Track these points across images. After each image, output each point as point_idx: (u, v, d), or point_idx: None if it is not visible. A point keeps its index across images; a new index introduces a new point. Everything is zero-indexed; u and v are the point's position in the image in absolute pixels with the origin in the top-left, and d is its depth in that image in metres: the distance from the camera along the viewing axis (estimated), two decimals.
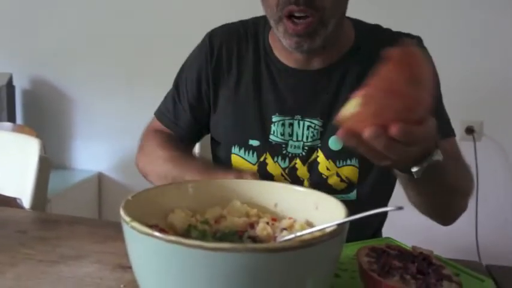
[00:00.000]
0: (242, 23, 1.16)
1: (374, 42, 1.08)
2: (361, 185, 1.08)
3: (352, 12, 1.11)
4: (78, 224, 1.06)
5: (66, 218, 1.11)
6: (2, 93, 2.52)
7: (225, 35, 1.14)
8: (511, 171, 2.30)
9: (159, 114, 1.22)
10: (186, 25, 2.41)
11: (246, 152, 1.09)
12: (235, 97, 1.11)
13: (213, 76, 1.13)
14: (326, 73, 1.08)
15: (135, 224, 0.56)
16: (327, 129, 1.06)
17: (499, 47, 2.26)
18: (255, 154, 1.08)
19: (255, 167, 1.08)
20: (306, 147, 1.06)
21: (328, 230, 0.57)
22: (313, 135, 1.06)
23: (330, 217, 0.62)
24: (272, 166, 1.07)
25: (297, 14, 0.95)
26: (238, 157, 1.09)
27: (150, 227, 0.56)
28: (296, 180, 1.07)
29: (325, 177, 1.06)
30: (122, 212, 0.59)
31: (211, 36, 1.15)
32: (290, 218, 0.72)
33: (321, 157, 1.06)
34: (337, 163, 1.05)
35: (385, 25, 1.13)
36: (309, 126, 1.06)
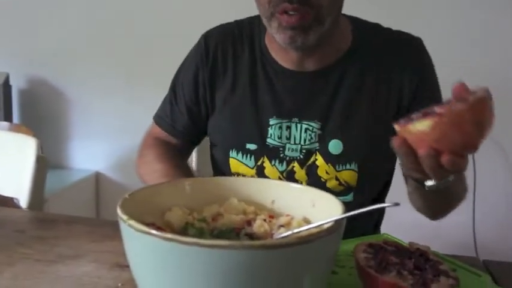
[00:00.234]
0: (237, 23, 1.15)
1: (373, 43, 1.07)
2: (359, 188, 1.07)
3: (351, 12, 1.11)
4: (76, 223, 1.06)
5: (64, 217, 1.11)
6: None
7: (221, 35, 1.13)
8: (510, 170, 2.31)
9: (158, 118, 1.21)
10: (185, 25, 2.40)
11: (244, 156, 1.08)
12: (231, 99, 1.10)
13: (209, 78, 1.11)
14: (323, 74, 1.06)
15: (132, 222, 0.56)
16: (325, 132, 1.04)
17: (499, 47, 2.26)
18: (252, 158, 1.07)
19: (253, 171, 1.07)
20: (304, 150, 1.05)
21: (325, 226, 0.58)
22: (311, 138, 1.05)
23: (327, 214, 0.62)
24: (270, 169, 1.06)
25: (290, 12, 0.93)
26: (236, 161, 1.08)
27: (147, 225, 0.56)
28: None
29: (323, 180, 1.05)
30: (118, 211, 0.59)
31: (207, 37, 1.14)
32: (287, 215, 0.72)
33: (320, 160, 1.05)
34: (337, 167, 1.04)
35: (385, 24, 1.12)
36: (306, 129, 1.05)
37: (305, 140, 1.05)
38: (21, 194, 1.36)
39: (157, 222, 0.67)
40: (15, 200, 1.40)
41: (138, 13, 2.56)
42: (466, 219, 2.27)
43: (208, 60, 1.11)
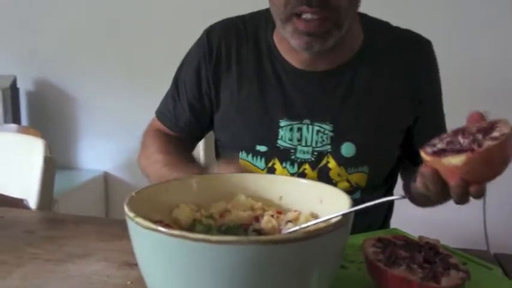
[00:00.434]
0: (239, 18, 1.12)
1: (384, 42, 1.06)
2: (367, 188, 1.06)
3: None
4: (85, 223, 1.06)
5: (73, 217, 1.11)
6: (6, 95, 2.52)
7: (223, 30, 1.11)
8: None
9: (160, 114, 1.19)
10: (188, 22, 2.41)
11: (254, 158, 1.05)
12: (238, 97, 1.08)
13: (213, 74, 1.09)
14: (335, 75, 1.04)
15: (139, 220, 0.55)
16: (337, 134, 1.03)
17: (501, 42, 2.25)
18: (263, 159, 1.05)
19: (264, 172, 1.05)
20: (316, 153, 1.03)
21: (332, 221, 0.57)
22: (323, 140, 1.02)
23: (334, 208, 0.62)
24: (280, 171, 1.04)
25: (308, 16, 0.90)
26: (246, 162, 1.06)
27: (155, 222, 0.56)
28: None
29: (334, 182, 1.03)
30: (126, 208, 0.59)
31: (209, 32, 1.12)
32: (295, 211, 0.71)
33: (332, 163, 1.03)
34: (349, 170, 1.03)
35: (384, 17, 1.11)
36: (318, 131, 1.03)
37: (317, 142, 1.03)
38: (30, 195, 1.37)
39: (165, 220, 0.67)
40: (24, 202, 1.40)
41: (139, 12, 2.56)
42: (477, 213, 2.25)
43: (212, 57, 1.09)
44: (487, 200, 2.20)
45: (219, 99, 1.10)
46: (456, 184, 0.64)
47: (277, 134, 1.04)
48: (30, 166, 1.39)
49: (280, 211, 0.72)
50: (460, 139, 0.65)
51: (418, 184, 0.69)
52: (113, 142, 2.67)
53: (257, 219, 0.69)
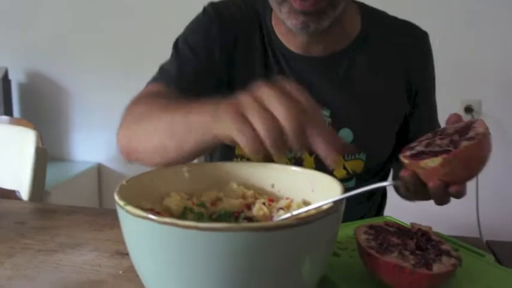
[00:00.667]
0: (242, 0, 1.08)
1: (383, 32, 1.07)
2: (362, 175, 1.06)
3: None
4: (76, 213, 1.06)
5: (64, 207, 1.11)
6: None
7: (228, 8, 1.06)
8: (510, 148, 2.30)
9: (154, 80, 1.05)
10: (183, 16, 2.39)
11: None
12: (243, 77, 1.02)
13: (222, 51, 1.03)
14: (332, 61, 1.04)
15: (130, 208, 0.55)
16: (335, 121, 1.02)
17: (497, 25, 2.25)
18: None
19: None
20: None
21: (324, 207, 0.57)
22: None
23: (326, 195, 0.61)
24: (277, 156, 1.03)
25: None
26: None
27: (145, 211, 0.55)
28: None
29: (331, 168, 1.03)
30: (116, 197, 0.59)
31: (213, 4, 1.06)
32: (287, 198, 0.71)
33: None
34: (346, 157, 1.03)
35: (382, 8, 1.12)
36: None
37: None
38: (22, 186, 1.36)
39: (156, 208, 0.67)
40: (16, 193, 1.39)
41: (135, 5, 2.54)
42: (470, 202, 2.27)
43: (222, 31, 1.03)
44: (480, 189, 2.22)
45: (222, 75, 1.04)
46: (434, 186, 0.65)
47: None
48: (22, 157, 1.38)
49: (272, 199, 0.72)
50: (438, 141, 0.66)
51: (400, 187, 0.70)
52: (106, 134, 2.66)
53: (249, 207, 0.69)
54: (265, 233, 0.50)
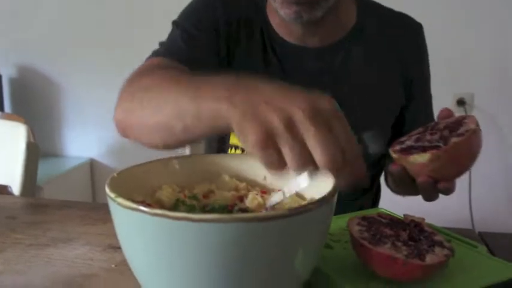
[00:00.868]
0: None
1: (379, 24, 1.07)
2: None
3: None
4: (68, 207, 1.05)
5: (57, 202, 1.10)
6: None
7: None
8: (502, 141, 2.31)
9: (155, 54, 0.99)
10: (177, 13, 2.38)
11: None
12: (242, 62, 1.03)
13: (225, 29, 1.02)
14: (327, 52, 1.03)
15: (121, 200, 0.54)
16: None
17: (490, 19, 2.26)
18: None
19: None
20: None
21: (317, 198, 0.57)
22: None
23: (319, 187, 0.61)
24: None
25: None
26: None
27: (137, 203, 0.55)
28: None
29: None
30: (107, 189, 0.58)
31: None
32: (280, 190, 0.71)
33: None
34: None
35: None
36: None
37: None
38: (14, 181, 1.35)
39: (148, 201, 0.66)
40: (8, 188, 1.39)
41: (129, 1, 2.53)
42: (462, 193, 2.28)
43: (226, 9, 1.02)
44: (472, 180, 2.23)
45: (225, 62, 1.04)
46: (423, 181, 0.65)
47: None
48: (13, 152, 1.37)
49: (264, 191, 0.72)
50: (428, 136, 0.66)
51: (389, 181, 0.70)
52: (99, 129, 2.65)
53: (241, 199, 0.68)
54: (257, 224, 0.50)
